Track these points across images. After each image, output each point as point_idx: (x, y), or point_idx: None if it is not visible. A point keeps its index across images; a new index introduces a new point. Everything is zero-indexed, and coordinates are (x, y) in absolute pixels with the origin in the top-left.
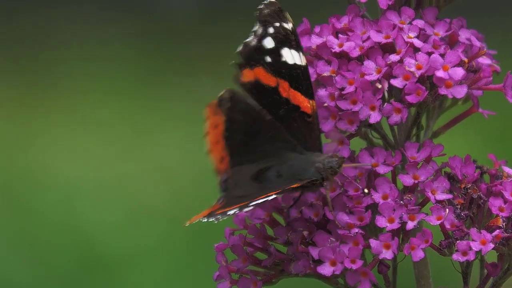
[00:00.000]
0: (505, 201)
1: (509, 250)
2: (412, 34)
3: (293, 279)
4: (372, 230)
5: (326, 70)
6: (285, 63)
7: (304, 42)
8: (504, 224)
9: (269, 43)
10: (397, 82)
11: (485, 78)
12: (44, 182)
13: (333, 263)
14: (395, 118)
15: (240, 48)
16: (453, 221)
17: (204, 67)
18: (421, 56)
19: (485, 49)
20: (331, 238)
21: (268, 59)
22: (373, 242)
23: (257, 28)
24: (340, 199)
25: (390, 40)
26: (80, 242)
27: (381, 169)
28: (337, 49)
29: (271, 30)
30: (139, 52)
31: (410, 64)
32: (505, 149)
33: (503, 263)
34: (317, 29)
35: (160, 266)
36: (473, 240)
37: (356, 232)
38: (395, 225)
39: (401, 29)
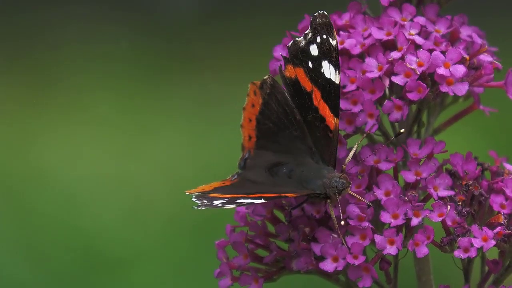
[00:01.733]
0: (507, 198)
1: (510, 247)
2: (413, 31)
3: (294, 277)
4: (375, 226)
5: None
6: (323, 74)
7: None
8: (505, 221)
9: (314, 50)
10: (398, 79)
11: (486, 75)
12: (45, 181)
13: (335, 259)
14: (396, 115)
15: (289, 44)
16: (454, 218)
17: (206, 65)
18: (422, 53)
19: (486, 46)
20: (333, 234)
21: (310, 64)
22: (377, 238)
23: (308, 32)
24: (343, 196)
25: (391, 37)
26: (80, 240)
27: (383, 166)
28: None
29: (318, 39)
30: (139, 51)
31: (411, 61)
32: (506, 146)
33: (504, 260)
34: None
35: (161, 264)
36: (474, 237)
37: (367, 226)
38: (400, 221)
39: (402, 26)
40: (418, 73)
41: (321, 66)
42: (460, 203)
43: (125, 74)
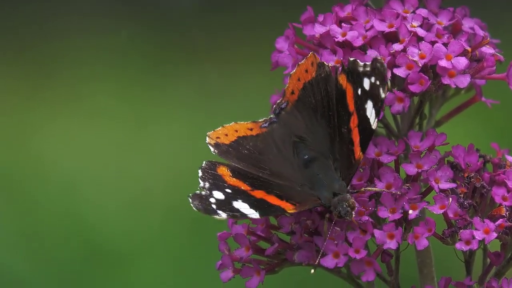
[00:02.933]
0: (508, 190)
1: None
2: (415, 23)
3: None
4: (375, 220)
5: (331, 60)
6: (365, 109)
7: (308, 30)
8: (507, 213)
9: (366, 84)
10: (400, 72)
11: (488, 67)
12: (45, 172)
13: (336, 255)
14: (398, 107)
15: (351, 59)
16: (456, 210)
17: (206, 57)
18: (424, 45)
19: (488, 38)
20: (335, 227)
21: (359, 91)
22: (376, 232)
23: (368, 65)
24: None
25: (393, 29)
26: (81, 232)
27: (385, 159)
28: (340, 38)
29: (373, 79)
30: (139, 42)
31: (413, 53)
32: (508, 138)
33: (506, 252)
34: (320, 18)
35: (161, 256)
36: (476, 229)
37: (367, 220)
38: (397, 215)
39: (404, 18)
40: (420, 65)
41: (366, 102)
42: (461, 196)
43: (125, 65)
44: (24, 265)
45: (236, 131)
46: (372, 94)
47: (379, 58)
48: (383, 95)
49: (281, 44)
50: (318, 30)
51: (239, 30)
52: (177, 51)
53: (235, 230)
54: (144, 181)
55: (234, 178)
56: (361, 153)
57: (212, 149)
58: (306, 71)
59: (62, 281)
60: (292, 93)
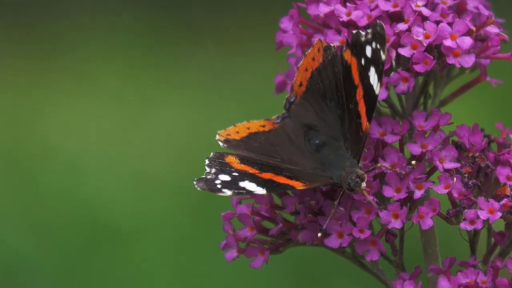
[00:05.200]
0: None
1: None
2: (420, 3)
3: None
4: (379, 200)
5: (335, 40)
6: (368, 77)
7: (312, 10)
8: (511, 193)
9: (368, 51)
10: (404, 51)
11: (493, 47)
12: (50, 152)
13: (340, 235)
14: (402, 87)
15: (353, 31)
16: (460, 190)
17: (210, 36)
18: (429, 25)
19: (493, 18)
20: (340, 207)
21: (363, 61)
22: (381, 212)
23: (369, 32)
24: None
25: (398, 8)
26: (85, 212)
27: (389, 138)
28: (344, 18)
29: (373, 45)
30: (144, 22)
31: (418, 33)
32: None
33: (510, 231)
34: None
35: (166, 235)
36: (480, 209)
37: (371, 199)
38: (402, 194)
39: None
40: (425, 44)
41: (369, 69)
42: (466, 175)
43: (130, 45)
44: (28, 245)
45: (248, 128)
46: (374, 59)
47: (377, 21)
48: (383, 57)
49: (286, 23)
50: (323, 9)
51: (243, 8)
52: (181, 30)
53: (239, 210)
54: (148, 161)
55: (242, 164)
56: (367, 123)
57: (221, 144)
58: (313, 59)
59: (68, 260)
60: (300, 85)
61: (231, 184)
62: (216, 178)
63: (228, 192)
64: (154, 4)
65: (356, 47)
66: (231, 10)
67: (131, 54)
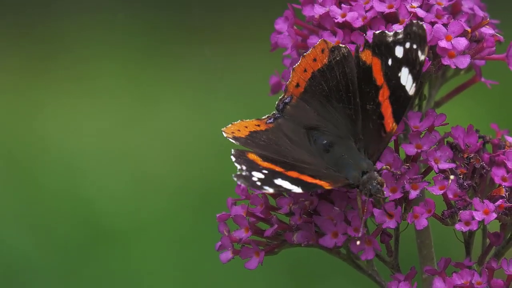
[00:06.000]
0: (508, 170)
1: (511, 220)
2: (415, 4)
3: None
4: (374, 201)
5: (331, 41)
6: (399, 78)
7: (307, 11)
8: (507, 194)
9: (399, 52)
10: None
11: (488, 48)
12: (49, 152)
13: (335, 235)
14: None
15: (376, 32)
16: (455, 191)
17: (208, 36)
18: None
19: (488, 19)
20: (334, 207)
21: (390, 62)
22: (376, 211)
23: (400, 32)
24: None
25: (393, 9)
26: (84, 211)
27: None
28: (340, 19)
29: (407, 45)
30: (144, 22)
31: None
32: (508, 118)
33: (505, 232)
34: None
35: (165, 236)
36: (475, 210)
37: (366, 199)
38: (398, 194)
39: None
40: None
41: (400, 70)
42: (461, 176)
43: (128, 45)
44: (27, 244)
45: (246, 127)
46: (408, 59)
47: (414, 21)
48: (422, 57)
49: (281, 25)
50: (318, 11)
51: (243, 8)
52: (180, 30)
53: (234, 211)
54: (147, 161)
55: (265, 162)
56: (394, 124)
57: (232, 141)
58: (315, 59)
59: (67, 260)
60: (297, 86)
61: (267, 181)
62: (251, 175)
63: (270, 190)
64: (153, 4)
65: (380, 47)
66: (230, 10)
67: (130, 54)
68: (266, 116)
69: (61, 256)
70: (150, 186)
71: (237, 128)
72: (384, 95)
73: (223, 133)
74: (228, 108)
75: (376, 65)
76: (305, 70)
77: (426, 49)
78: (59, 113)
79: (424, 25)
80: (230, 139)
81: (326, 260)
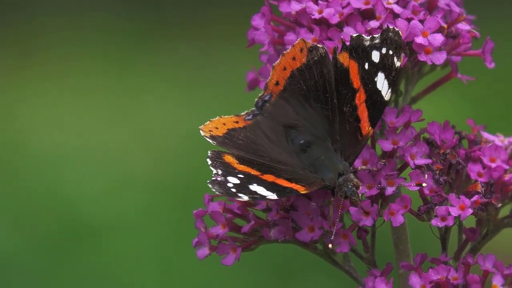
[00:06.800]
0: (484, 166)
1: (487, 216)
2: (391, 0)
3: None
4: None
5: (307, 38)
6: (375, 83)
7: (284, 7)
8: (482, 189)
9: (376, 57)
10: None
11: (464, 44)
12: (29, 149)
13: (311, 229)
14: None
15: (354, 35)
16: (432, 187)
17: (188, 33)
18: (400, 22)
19: (464, 15)
20: (311, 203)
21: (366, 66)
22: (352, 209)
23: (377, 37)
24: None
25: (369, 6)
26: (64, 209)
27: None
28: (316, 15)
29: (383, 50)
30: (125, 19)
31: None
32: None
33: (481, 228)
34: None
35: (145, 233)
36: (451, 205)
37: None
38: (374, 191)
39: None
40: None
41: (376, 75)
42: (437, 172)
43: (111, 42)
44: (7, 241)
45: (224, 124)
46: (384, 65)
47: (390, 27)
48: (397, 64)
49: (257, 21)
50: (294, 7)
51: (221, 6)
52: (158, 28)
53: (211, 208)
54: (128, 158)
55: (241, 165)
56: (370, 128)
57: (209, 140)
58: (294, 58)
59: (48, 257)
60: (277, 84)
61: (243, 188)
62: (226, 180)
63: (244, 197)
64: (132, 2)
65: (357, 50)
66: (209, 6)
67: (110, 52)
68: (245, 113)
69: (41, 253)
70: (131, 183)
71: (215, 126)
72: (360, 98)
73: (200, 131)
74: (210, 105)
75: (353, 68)
76: (284, 69)
77: (402, 55)
78: (40, 111)
79: (400, 32)
80: (207, 139)
81: (306, 257)
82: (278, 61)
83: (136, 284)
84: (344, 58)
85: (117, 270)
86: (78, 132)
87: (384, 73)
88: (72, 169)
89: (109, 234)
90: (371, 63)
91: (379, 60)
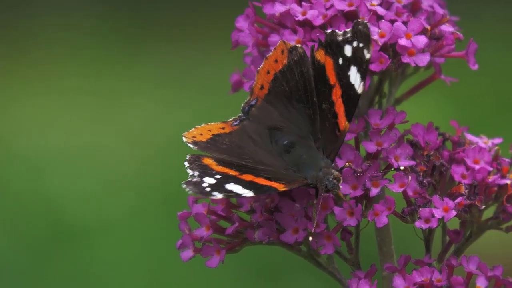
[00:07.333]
0: (468, 168)
1: (471, 217)
2: (375, 2)
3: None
4: (335, 198)
5: (291, 40)
6: (348, 77)
7: (267, 9)
8: (466, 191)
9: (348, 51)
10: None
11: (447, 45)
12: (13, 150)
13: (296, 231)
14: None
15: (328, 31)
16: (415, 188)
17: (177, 33)
18: (384, 24)
19: (447, 16)
20: (295, 204)
21: (340, 61)
22: (336, 209)
23: (349, 31)
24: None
25: (353, 8)
26: (49, 211)
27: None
28: (300, 17)
29: (355, 43)
30: (106, 20)
31: (373, 32)
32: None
33: (465, 230)
34: None
35: (130, 234)
36: (435, 207)
37: (328, 195)
38: (359, 191)
39: None
40: (380, 44)
41: (349, 69)
42: (421, 174)
43: (94, 43)
44: None
45: (209, 130)
46: (356, 58)
47: (360, 20)
48: (367, 56)
49: (241, 23)
50: (278, 9)
51: (209, 6)
52: (147, 27)
53: (195, 210)
54: (112, 159)
55: (220, 167)
56: (346, 122)
57: (191, 146)
58: (276, 61)
59: (32, 259)
60: (262, 88)
61: (218, 187)
62: (202, 181)
63: (219, 196)
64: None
65: (332, 46)
66: (192, 6)
67: (94, 53)
68: (231, 119)
69: (27, 255)
70: (117, 185)
71: (200, 132)
72: (336, 94)
73: (183, 138)
74: (195, 106)
75: (328, 64)
76: (268, 72)
77: (371, 47)
78: (23, 113)
79: (369, 25)
80: (189, 145)
81: (293, 258)
82: (262, 65)
83: (123, 285)
84: (320, 55)
85: (103, 271)
86: (63, 133)
87: (356, 66)
88: (58, 170)
89: (94, 235)
90: (345, 57)
91: (351, 54)
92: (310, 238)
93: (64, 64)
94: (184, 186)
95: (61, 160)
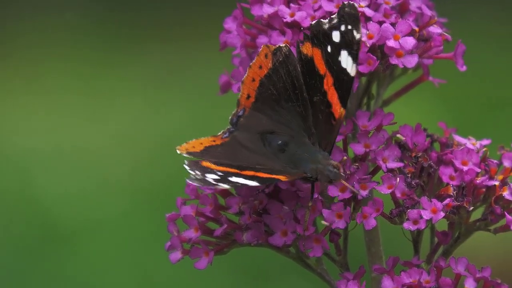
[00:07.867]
0: (456, 169)
1: (459, 219)
2: (363, 3)
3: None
4: (324, 200)
5: (279, 41)
6: (339, 62)
7: (256, 11)
8: (454, 192)
9: (336, 37)
10: None
11: (435, 47)
12: (1, 151)
13: (284, 233)
14: None
15: (313, 22)
16: (403, 190)
17: (166, 33)
18: (372, 26)
19: (436, 18)
20: (284, 206)
21: (329, 49)
22: (325, 212)
23: (335, 17)
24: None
25: None
26: (38, 213)
27: None
28: (288, 18)
29: (343, 27)
30: (93, 20)
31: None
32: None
33: (453, 231)
34: None
35: (121, 237)
36: (423, 208)
37: (316, 197)
38: (347, 194)
39: None
40: (368, 45)
41: (339, 54)
42: (409, 175)
43: (81, 44)
44: None
45: (201, 143)
46: (346, 42)
47: (345, 2)
48: (358, 36)
49: (229, 24)
50: (266, 10)
51: (198, 6)
52: (135, 28)
53: (184, 211)
54: (101, 160)
55: (220, 166)
56: (342, 109)
57: (186, 155)
58: (260, 67)
59: (20, 261)
60: (248, 97)
61: (223, 180)
62: (205, 177)
63: (225, 186)
64: (103, 4)
65: (318, 37)
66: (181, 8)
67: (84, 54)
68: (221, 132)
69: (14, 257)
70: (107, 187)
71: (192, 145)
72: (328, 82)
73: (177, 150)
74: (185, 107)
75: (317, 55)
76: (253, 80)
77: (360, 26)
78: (10, 114)
79: (355, 4)
80: (184, 155)
81: (283, 259)
82: (246, 74)
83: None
84: (307, 49)
85: (90, 273)
86: (50, 135)
87: (347, 50)
88: (45, 172)
89: (82, 237)
90: (333, 44)
91: (340, 38)
92: (300, 242)
93: (50, 65)
94: (189, 181)
95: (49, 161)
